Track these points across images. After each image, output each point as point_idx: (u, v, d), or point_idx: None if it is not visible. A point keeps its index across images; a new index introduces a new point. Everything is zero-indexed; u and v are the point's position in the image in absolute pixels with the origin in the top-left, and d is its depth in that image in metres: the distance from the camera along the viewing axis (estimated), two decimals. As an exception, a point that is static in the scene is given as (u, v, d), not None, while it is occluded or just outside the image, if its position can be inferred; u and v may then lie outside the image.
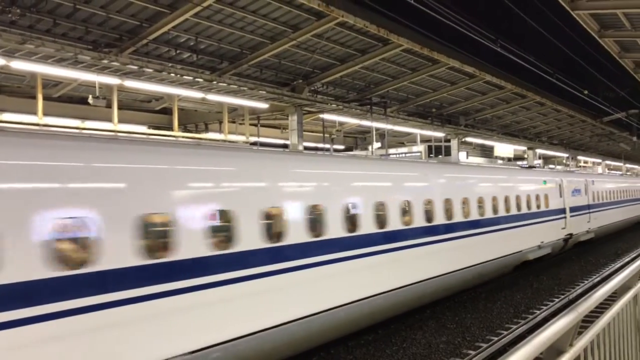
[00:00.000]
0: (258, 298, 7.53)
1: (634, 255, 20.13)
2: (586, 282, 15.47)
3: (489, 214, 13.93)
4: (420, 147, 23.07)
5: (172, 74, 13.06)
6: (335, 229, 8.93)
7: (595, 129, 35.69)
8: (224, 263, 7.09)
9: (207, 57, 14.82)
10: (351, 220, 9.36)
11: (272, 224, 7.92)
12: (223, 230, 7.23)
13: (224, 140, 16.33)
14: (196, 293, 6.66)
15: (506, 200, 14.97)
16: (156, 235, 6.49)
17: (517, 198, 15.70)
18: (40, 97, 12.41)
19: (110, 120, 13.61)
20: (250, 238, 7.45)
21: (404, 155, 22.96)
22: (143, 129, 16.39)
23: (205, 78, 13.89)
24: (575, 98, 24.71)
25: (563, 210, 19.16)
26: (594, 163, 46.08)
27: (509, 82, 22.00)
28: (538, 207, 17.09)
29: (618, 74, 22.61)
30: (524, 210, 16.08)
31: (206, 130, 20.24)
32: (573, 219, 19.95)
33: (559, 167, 38.46)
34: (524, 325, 11.05)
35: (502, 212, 14.63)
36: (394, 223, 10.31)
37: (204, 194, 7.35)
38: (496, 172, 17.51)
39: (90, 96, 12.71)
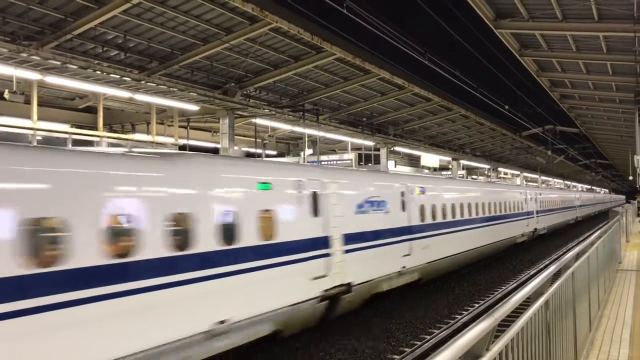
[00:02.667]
0: None
1: (546, 263, 21.41)
2: (504, 288, 16.23)
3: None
4: (350, 155, 23.44)
5: (98, 72, 12.57)
6: None
7: (514, 143, 37.68)
8: None
9: (135, 55, 14.35)
10: None
11: None
12: None
13: (152, 142, 15.86)
14: None
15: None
16: None
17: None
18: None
19: (29, 117, 12.90)
20: None
21: (335, 162, 23.22)
22: (65, 127, 15.67)
23: (133, 77, 13.46)
24: (497, 112, 26.02)
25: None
26: (512, 175, 48.63)
27: (436, 95, 22.80)
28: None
29: (536, 91, 24.01)
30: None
31: (133, 131, 19.58)
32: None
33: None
34: (445, 330, 11.43)
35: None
36: None
37: None
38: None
39: (7, 90, 11.99)
